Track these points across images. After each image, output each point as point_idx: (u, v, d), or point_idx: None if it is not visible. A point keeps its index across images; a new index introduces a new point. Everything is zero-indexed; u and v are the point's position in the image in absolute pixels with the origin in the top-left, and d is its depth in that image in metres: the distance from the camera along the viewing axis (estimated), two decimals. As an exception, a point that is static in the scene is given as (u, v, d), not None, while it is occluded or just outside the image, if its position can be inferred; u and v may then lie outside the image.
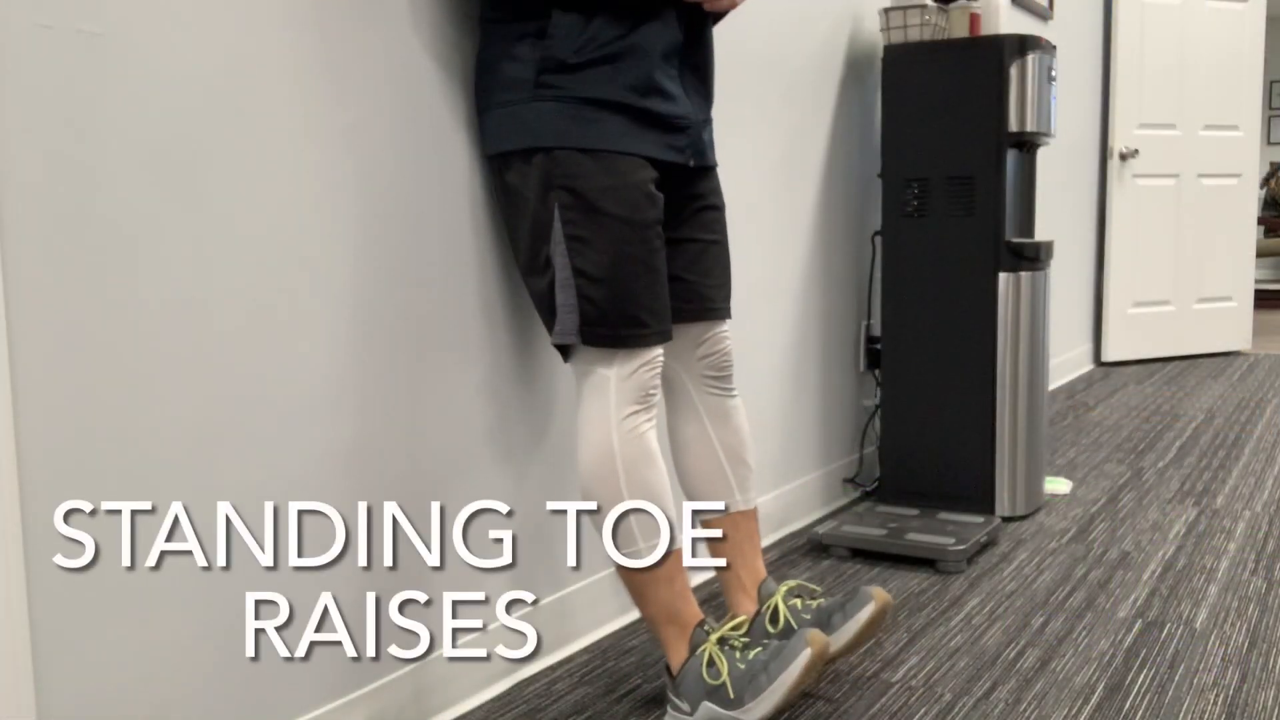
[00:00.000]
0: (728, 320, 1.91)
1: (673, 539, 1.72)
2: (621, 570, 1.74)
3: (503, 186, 1.76)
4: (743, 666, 1.68)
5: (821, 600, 1.91)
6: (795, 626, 1.87)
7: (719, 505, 1.93)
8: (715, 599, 2.37)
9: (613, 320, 1.68)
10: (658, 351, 1.74)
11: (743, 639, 1.74)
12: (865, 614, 1.85)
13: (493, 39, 1.73)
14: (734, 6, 1.77)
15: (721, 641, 1.73)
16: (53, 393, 1.28)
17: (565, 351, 1.78)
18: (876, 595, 1.87)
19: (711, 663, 1.69)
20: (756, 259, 2.69)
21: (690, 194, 1.85)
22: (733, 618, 1.93)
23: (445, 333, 1.82)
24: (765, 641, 1.73)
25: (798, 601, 1.91)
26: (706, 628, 1.73)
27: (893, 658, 2.05)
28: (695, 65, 1.81)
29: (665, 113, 1.73)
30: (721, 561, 1.95)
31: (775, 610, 1.90)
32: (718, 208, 1.89)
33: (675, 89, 1.75)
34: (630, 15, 1.67)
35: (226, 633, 1.49)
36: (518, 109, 1.69)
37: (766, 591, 1.93)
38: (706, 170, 1.88)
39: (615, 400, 1.70)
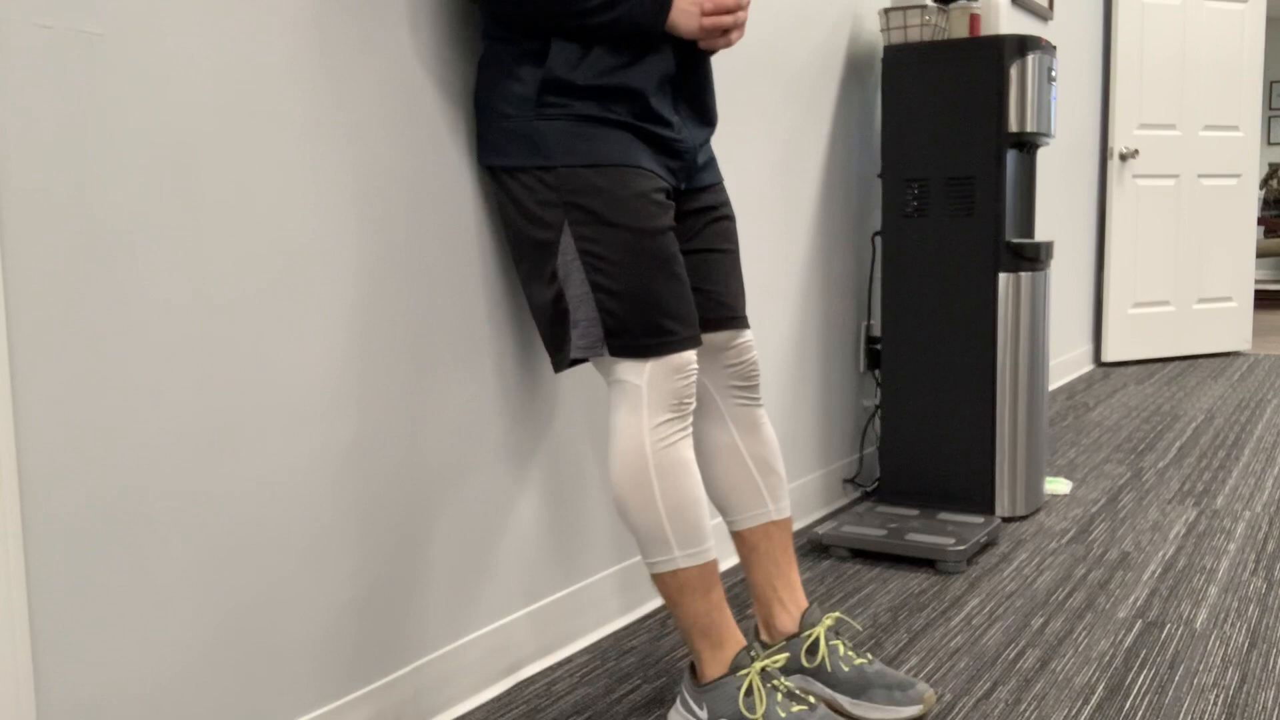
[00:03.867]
0: (749, 329, 1.90)
1: (707, 549, 1.70)
2: (656, 578, 1.71)
3: (505, 198, 1.75)
4: (783, 715, 1.63)
5: (865, 660, 1.85)
6: (830, 670, 1.82)
7: (751, 516, 1.91)
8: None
9: (636, 330, 1.67)
10: (690, 358, 1.71)
11: (788, 685, 1.70)
12: (909, 714, 1.79)
13: (495, 54, 1.73)
14: (729, 45, 1.78)
15: (764, 674, 1.69)
16: (53, 392, 1.28)
17: (559, 361, 1.76)
18: (925, 700, 1.80)
19: (750, 692, 1.65)
20: (757, 259, 2.70)
21: (701, 206, 1.85)
22: (777, 651, 1.88)
23: (446, 333, 1.82)
24: (812, 700, 1.68)
25: (840, 645, 1.85)
26: (752, 654, 1.70)
27: (893, 658, 2.05)
28: (690, 95, 1.81)
29: (665, 136, 1.74)
30: (755, 573, 1.91)
31: (815, 644, 1.85)
32: (729, 218, 1.90)
33: (672, 117, 1.76)
34: (628, 48, 1.69)
35: (226, 632, 1.49)
36: (521, 125, 1.70)
37: (809, 620, 1.87)
38: (713, 185, 1.88)
39: (648, 409, 1.68)
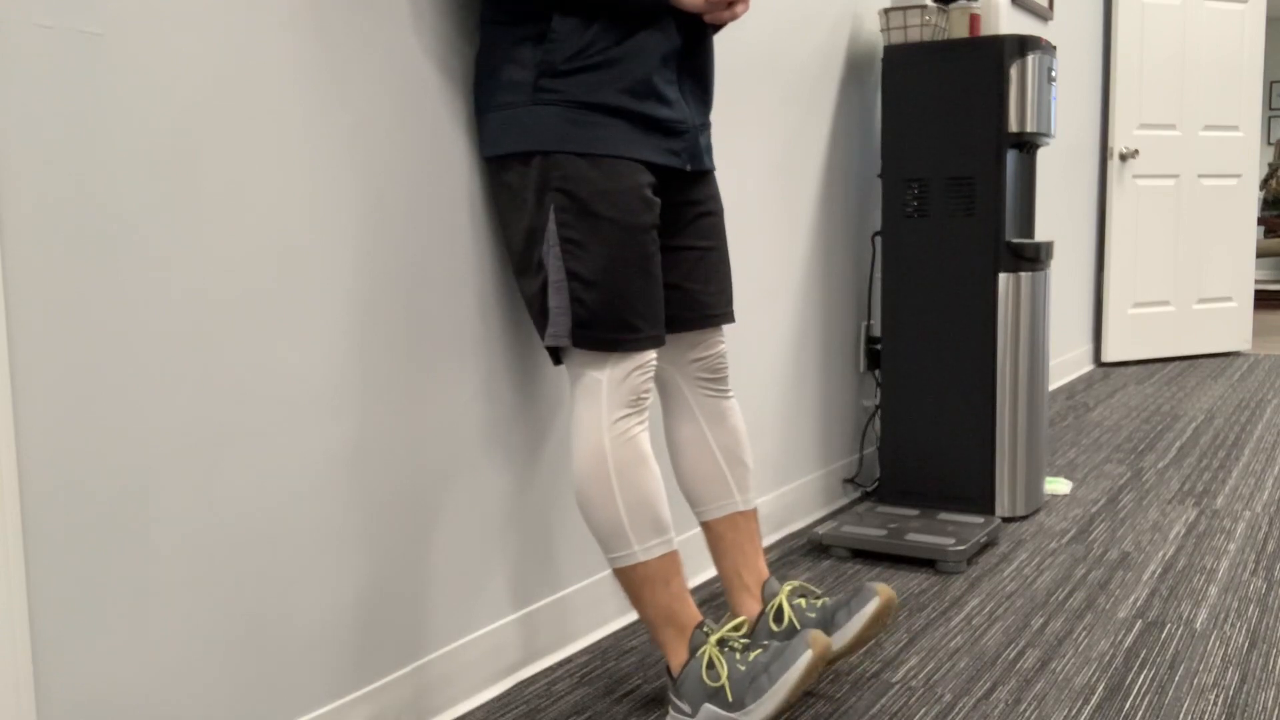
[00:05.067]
0: (727, 324, 1.92)
1: (667, 540, 1.73)
2: (618, 572, 1.74)
3: (500, 187, 1.76)
4: (743, 668, 1.68)
5: (826, 599, 1.92)
6: (799, 626, 1.88)
7: (718, 506, 1.94)
8: (716, 599, 2.37)
9: (605, 323, 1.69)
10: (650, 355, 1.74)
11: (743, 640, 1.74)
12: (870, 609, 1.85)
13: (493, 42, 1.73)
14: (735, 19, 1.77)
15: (721, 643, 1.73)
16: (53, 392, 1.28)
17: (556, 354, 1.78)
18: (880, 591, 1.87)
19: (711, 665, 1.69)
20: (756, 259, 2.70)
21: (688, 200, 1.85)
22: (733, 618, 1.93)
23: (444, 334, 1.82)
24: (766, 643, 1.73)
25: (802, 601, 1.92)
26: (706, 629, 1.73)
27: (893, 658, 2.05)
28: (694, 71, 1.81)
29: (663, 117, 1.73)
30: (723, 562, 1.95)
31: (780, 610, 1.91)
32: (715, 213, 1.89)
33: (673, 94, 1.76)
34: (630, 21, 1.68)
35: (226, 632, 1.49)
36: (517, 112, 1.70)
37: (770, 591, 1.93)
38: (704, 175, 1.88)
39: (607, 403, 1.71)
